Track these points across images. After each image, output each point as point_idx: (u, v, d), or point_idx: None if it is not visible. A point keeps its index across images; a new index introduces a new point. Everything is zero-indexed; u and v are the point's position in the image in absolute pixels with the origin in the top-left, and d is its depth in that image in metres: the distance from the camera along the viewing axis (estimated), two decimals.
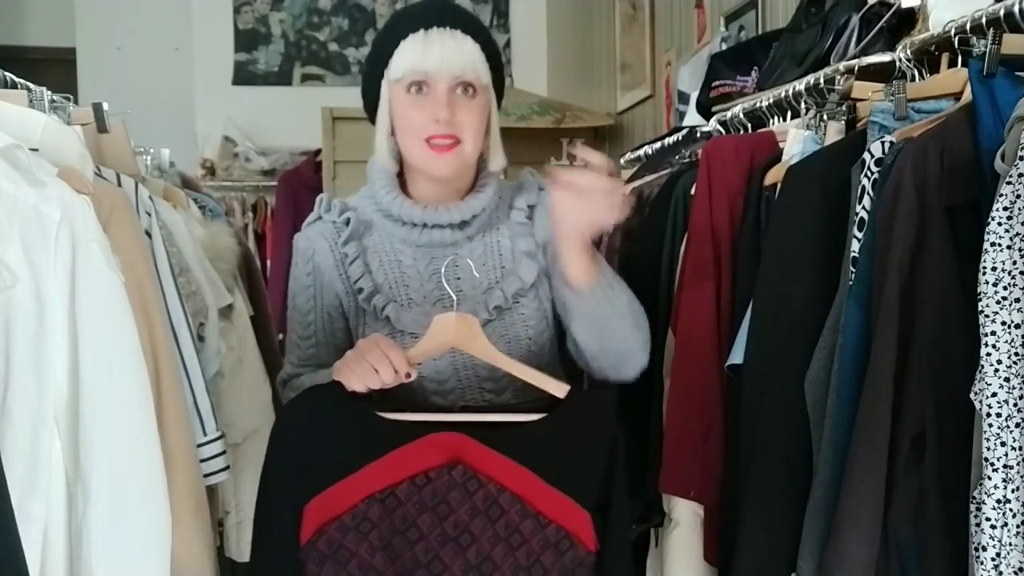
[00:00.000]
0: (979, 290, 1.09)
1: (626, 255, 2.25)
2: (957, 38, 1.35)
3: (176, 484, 1.32)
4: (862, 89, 1.58)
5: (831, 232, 1.39)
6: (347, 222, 1.52)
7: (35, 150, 1.28)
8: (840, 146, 1.52)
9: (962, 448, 1.14)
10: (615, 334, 1.46)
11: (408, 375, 1.34)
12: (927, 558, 1.20)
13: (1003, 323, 1.07)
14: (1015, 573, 1.08)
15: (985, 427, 1.08)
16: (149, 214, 1.64)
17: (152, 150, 2.53)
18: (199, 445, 1.60)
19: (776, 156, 1.73)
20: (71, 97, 1.84)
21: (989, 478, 1.07)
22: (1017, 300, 1.07)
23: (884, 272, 1.22)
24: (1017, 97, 1.15)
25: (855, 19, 1.82)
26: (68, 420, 1.23)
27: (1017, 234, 1.06)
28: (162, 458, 1.29)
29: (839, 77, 1.64)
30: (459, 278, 1.49)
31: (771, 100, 1.89)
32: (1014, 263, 1.06)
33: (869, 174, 1.31)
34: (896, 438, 1.19)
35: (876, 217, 1.27)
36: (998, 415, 1.07)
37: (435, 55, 1.42)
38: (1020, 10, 1.22)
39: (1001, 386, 1.07)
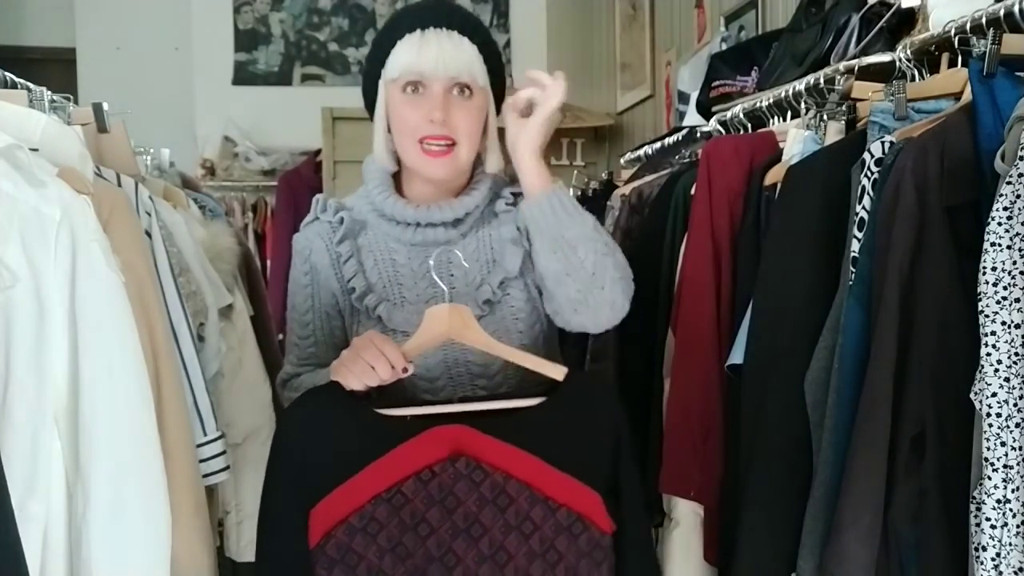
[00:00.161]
0: (979, 290, 1.09)
1: (626, 255, 2.25)
2: (957, 38, 1.35)
3: (176, 484, 1.32)
4: (862, 89, 1.58)
5: (831, 232, 1.39)
6: (341, 221, 1.52)
7: (35, 150, 1.28)
8: (840, 146, 1.52)
9: (962, 448, 1.14)
10: (577, 250, 1.41)
11: (405, 370, 1.34)
12: (927, 558, 1.20)
13: (1003, 323, 1.07)
14: (1015, 573, 1.08)
15: (985, 427, 1.08)
16: (149, 214, 1.64)
17: (152, 150, 2.53)
18: (199, 445, 1.60)
19: (776, 156, 1.73)
20: (71, 97, 1.84)
21: (989, 478, 1.07)
22: (1017, 300, 1.07)
23: (884, 272, 1.22)
24: (1017, 97, 1.15)
25: (855, 19, 1.82)
26: (68, 420, 1.23)
27: (1017, 234, 1.06)
28: (162, 458, 1.29)
29: (839, 77, 1.64)
30: (452, 275, 1.49)
31: (771, 100, 1.89)
32: (1014, 263, 1.06)
33: (869, 174, 1.31)
34: (896, 438, 1.19)
35: (876, 217, 1.27)
36: (998, 415, 1.07)
37: (431, 55, 1.42)
38: (1020, 10, 1.22)
39: (1001, 386, 1.07)
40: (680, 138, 2.45)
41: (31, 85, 1.67)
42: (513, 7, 5.60)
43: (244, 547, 2.10)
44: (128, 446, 1.26)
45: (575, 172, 3.61)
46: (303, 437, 1.30)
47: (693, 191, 1.85)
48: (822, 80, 1.68)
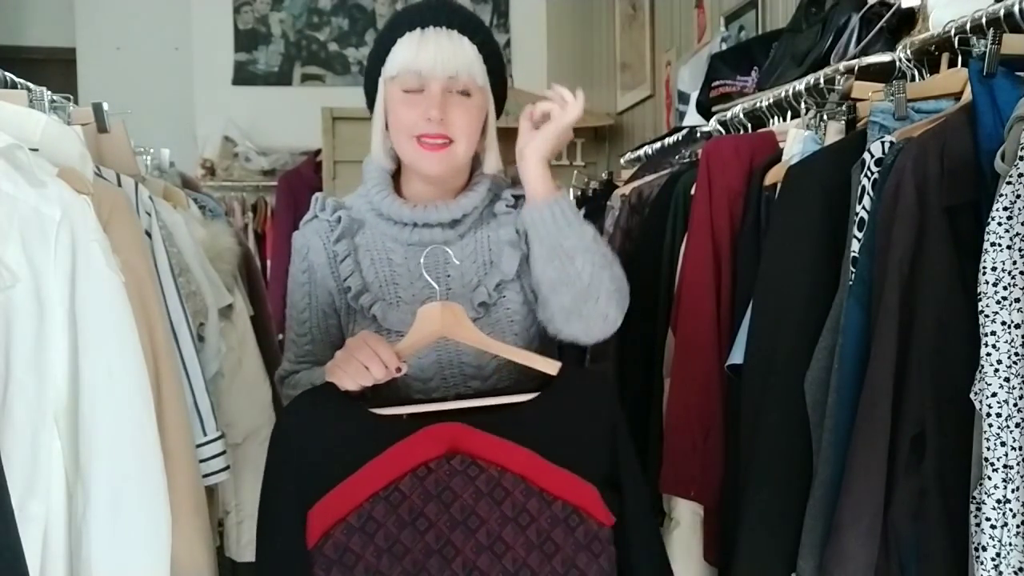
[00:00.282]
0: (979, 290, 1.09)
1: (626, 255, 2.25)
2: (957, 38, 1.35)
3: (176, 484, 1.32)
4: (862, 89, 1.58)
5: (831, 232, 1.39)
6: (339, 220, 1.53)
7: (35, 150, 1.28)
8: (840, 146, 1.52)
9: (962, 448, 1.14)
10: (575, 260, 1.41)
11: (399, 369, 1.34)
12: (927, 558, 1.20)
13: (1003, 323, 1.07)
14: (1015, 573, 1.08)
15: (985, 427, 1.08)
16: (149, 214, 1.64)
17: (152, 150, 2.53)
18: (199, 445, 1.60)
19: (776, 156, 1.73)
20: (71, 97, 1.84)
21: (989, 478, 1.07)
22: (1017, 300, 1.07)
23: (884, 272, 1.22)
24: (1017, 97, 1.15)
25: (855, 19, 1.82)
26: (68, 420, 1.23)
27: (1017, 234, 1.06)
28: (162, 458, 1.29)
29: (839, 77, 1.64)
30: (449, 276, 1.49)
31: (771, 100, 1.90)
32: (1014, 263, 1.06)
33: (869, 174, 1.31)
34: (896, 438, 1.19)
35: (876, 217, 1.27)
36: (998, 415, 1.07)
37: (429, 54, 1.42)
38: (1020, 10, 1.22)
39: (1001, 386, 1.07)
40: (680, 138, 2.45)
41: (31, 85, 1.67)
42: (513, 7, 5.60)
43: (244, 547, 2.10)
44: (128, 446, 1.26)
45: (575, 172, 3.62)
46: (300, 438, 1.31)
47: (693, 191, 1.85)
48: (822, 80, 1.68)
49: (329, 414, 1.32)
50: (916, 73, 1.50)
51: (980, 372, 1.09)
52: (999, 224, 1.07)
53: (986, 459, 1.08)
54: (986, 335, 1.08)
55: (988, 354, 1.08)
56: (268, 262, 4.71)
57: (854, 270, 1.30)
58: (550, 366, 1.36)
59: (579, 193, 3.39)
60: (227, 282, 2.06)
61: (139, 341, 1.29)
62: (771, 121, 1.94)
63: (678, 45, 3.64)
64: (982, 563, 1.09)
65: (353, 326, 1.52)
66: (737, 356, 1.58)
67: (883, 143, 1.31)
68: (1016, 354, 1.07)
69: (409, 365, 1.38)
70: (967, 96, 1.25)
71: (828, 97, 1.65)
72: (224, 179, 5.06)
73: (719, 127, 2.14)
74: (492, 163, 1.54)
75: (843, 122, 1.60)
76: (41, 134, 1.35)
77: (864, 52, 1.72)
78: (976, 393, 1.09)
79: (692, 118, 2.61)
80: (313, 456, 1.29)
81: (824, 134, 1.61)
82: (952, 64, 1.43)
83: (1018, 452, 1.06)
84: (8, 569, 1.06)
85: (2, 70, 1.66)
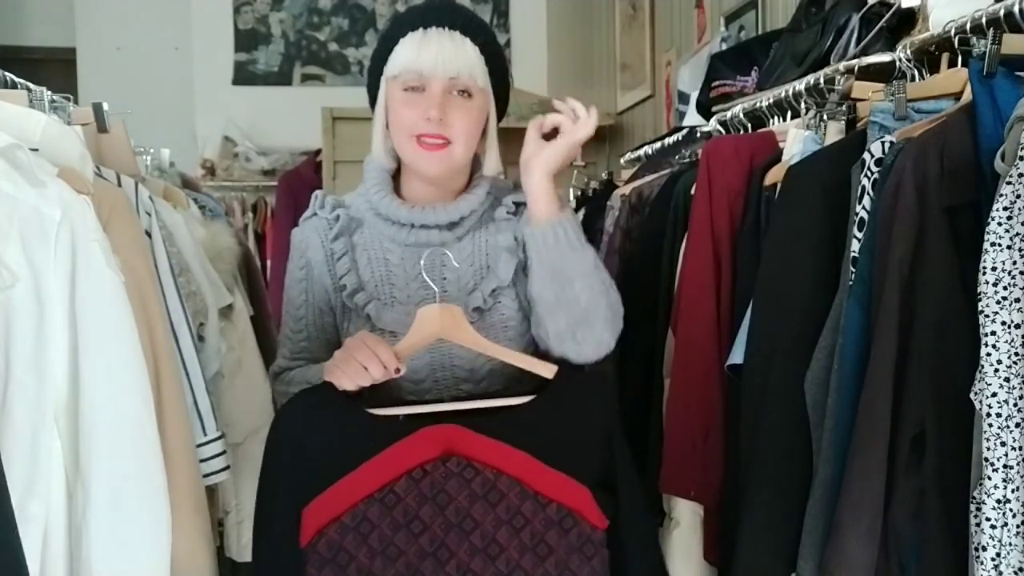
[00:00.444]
0: (979, 290, 1.09)
1: (626, 255, 2.25)
2: (957, 38, 1.35)
3: (176, 484, 1.32)
4: (862, 89, 1.58)
5: (831, 232, 1.39)
6: (337, 219, 1.53)
7: (35, 150, 1.28)
8: (840, 146, 1.52)
9: (962, 448, 1.14)
10: (574, 284, 1.41)
11: (397, 370, 1.34)
12: (927, 558, 1.20)
13: (1003, 323, 1.07)
14: (1015, 573, 1.08)
15: (985, 427, 1.08)
16: (149, 214, 1.64)
17: (152, 150, 2.53)
18: (199, 445, 1.60)
19: (776, 156, 1.73)
20: (71, 97, 1.84)
21: (989, 478, 1.07)
22: (1017, 300, 1.07)
23: (884, 272, 1.22)
24: (1017, 97, 1.15)
25: (855, 19, 1.82)
26: (68, 420, 1.23)
27: (1017, 234, 1.06)
28: (162, 458, 1.29)
29: (839, 77, 1.64)
30: (445, 278, 1.49)
31: (771, 100, 1.89)
32: (1014, 263, 1.06)
33: (869, 174, 1.31)
34: (896, 438, 1.19)
35: (876, 217, 1.27)
36: (998, 415, 1.07)
37: (431, 55, 1.42)
38: (1020, 10, 1.22)
39: (1001, 386, 1.07)
40: (680, 138, 2.45)
41: (31, 85, 1.67)
42: (513, 7, 5.60)
43: (244, 547, 2.10)
44: (128, 446, 1.26)
45: (575, 172, 3.61)
46: (297, 436, 1.31)
47: (693, 191, 1.85)
48: (822, 80, 1.68)
49: (327, 413, 1.32)
50: (916, 73, 1.50)
51: (980, 372, 1.09)
52: (999, 224, 1.07)
53: (986, 459, 1.08)
54: (986, 335, 1.08)
55: (988, 354, 1.08)
56: (268, 262, 4.71)
57: (854, 270, 1.30)
58: (547, 370, 1.37)
59: (579, 193, 3.39)
60: (227, 282, 2.06)
61: (139, 341, 1.29)
62: (771, 121, 1.94)
63: (678, 45, 3.64)
64: (982, 563, 1.09)
65: (348, 325, 1.52)
66: (737, 356, 1.58)
67: (883, 143, 1.31)
68: (1016, 354, 1.07)
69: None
70: (967, 96, 1.25)
71: (828, 97, 1.65)
72: (224, 179, 5.06)
73: (719, 127, 2.14)
74: (492, 165, 1.54)
75: (843, 122, 1.60)
76: (41, 134, 1.35)
77: (864, 52, 1.72)
78: (976, 393, 1.09)
79: (692, 118, 2.61)
80: (310, 454, 1.29)
81: (824, 134, 1.61)
82: (952, 64, 1.43)
83: (1018, 452, 1.06)
84: (8, 569, 1.06)
85: (2, 70, 1.66)
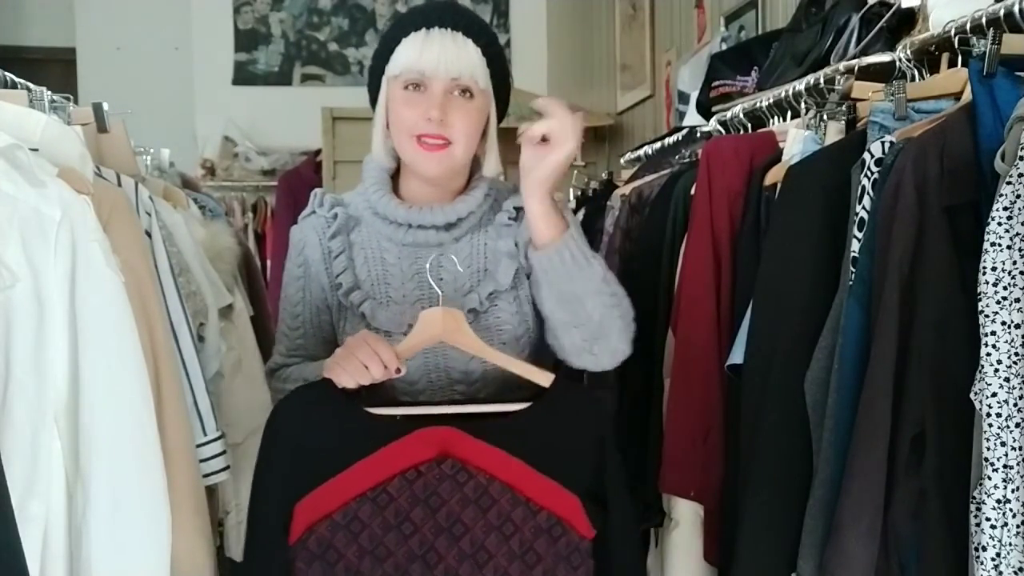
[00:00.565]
0: (979, 290, 1.09)
1: (626, 255, 2.25)
2: (957, 38, 1.35)
3: (176, 484, 1.32)
4: (862, 89, 1.58)
5: (831, 232, 1.39)
6: (335, 216, 1.53)
7: (35, 150, 1.28)
8: (840, 146, 1.52)
9: (962, 448, 1.14)
10: (585, 303, 1.41)
11: (398, 370, 1.34)
12: (927, 558, 1.20)
13: (1003, 323, 1.07)
14: (1015, 573, 1.08)
15: (985, 427, 1.08)
16: (149, 214, 1.64)
17: (152, 150, 2.53)
18: (199, 445, 1.60)
19: (776, 156, 1.73)
20: (71, 97, 1.84)
21: (989, 478, 1.07)
22: (1017, 300, 1.07)
23: (884, 272, 1.22)
24: (1017, 97, 1.15)
25: (855, 19, 1.82)
26: (68, 420, 1.23)
27: (1017, 234, 1.06)
28: (162, 458, 1.29)
29: (839, 77, 1.64)
30: (442, 279, 1.49)
31: (771, 100, 1.89)
32: (1014, 263, 1.06)
33: (869, 174, 1.31)
34: (896, 438, 1.19)
35: (876, 217, 1.27)
36: (998, 415, 1.07)
37: (433, 55, 1.42)
38: (1020, 10, 1.22)
39: (1001, 386, 1.07)
40: (680, 138, 2.45)
41: (31, 85, 1.67)
42: (513, 7, 5.60)
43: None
44: (128, 446, 1.26)
45: (575, 172, 3.61)
46: (294, 431, 1.32)
47: (693, 191, 1.85)
48: (822, 80, 1.68)
49: (324, 410, 1.33)
50: (916, 73, 1.50)
51: (980, 372, 1.09)
52: (999, 224, 1.07)
53: (986, 459, 1.08)
54: (986, 335, 1.08)
55: (988, 354, 1.08)
56: (268, 262, 4.71)
57: (854, 270, 1.30)
58: (544, 378, 1.37)
59: (579, 193, 3.39)
60: (227, 282, 2.06)
61: (139, 341, 1.29)
62: (771, 121, 1.94)
63: (678, 45, 3.64)
64: (982, 563, 1.09)
65: (344, 323, 1.53)
66: (737, 356, 1.58)
67: (883, 143, 1.31)
68: (1016, 354, 1.07)
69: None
70: (967, 96, 1.25)
71: (828, 97, 1.65)
72: (224, 179, 5.06)
73: (719, 127, 2.14)
74: (492, 166, 1.54)
75: (843, 122, 1.60)
76: (41, 134, 1.35)
77: (864, 52, 1.72)
78: (976, 393, 1.09)
79: (692, 118, 2.61)
80: (306, 450, 1.30)
81: (824, 134, 1.61)
82: (952, 64, 1.43)
83: (1018, 452, 1.06)
84: (8, 569, 1.06)
85: (2, 70, 1.65)
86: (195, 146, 5.16)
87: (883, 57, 1.61)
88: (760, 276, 1.55)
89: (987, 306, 1.08)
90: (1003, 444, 1.07)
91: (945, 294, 1.18)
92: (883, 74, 1.57)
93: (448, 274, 1.49)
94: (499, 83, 1.51)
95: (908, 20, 1.70)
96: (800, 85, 1.75)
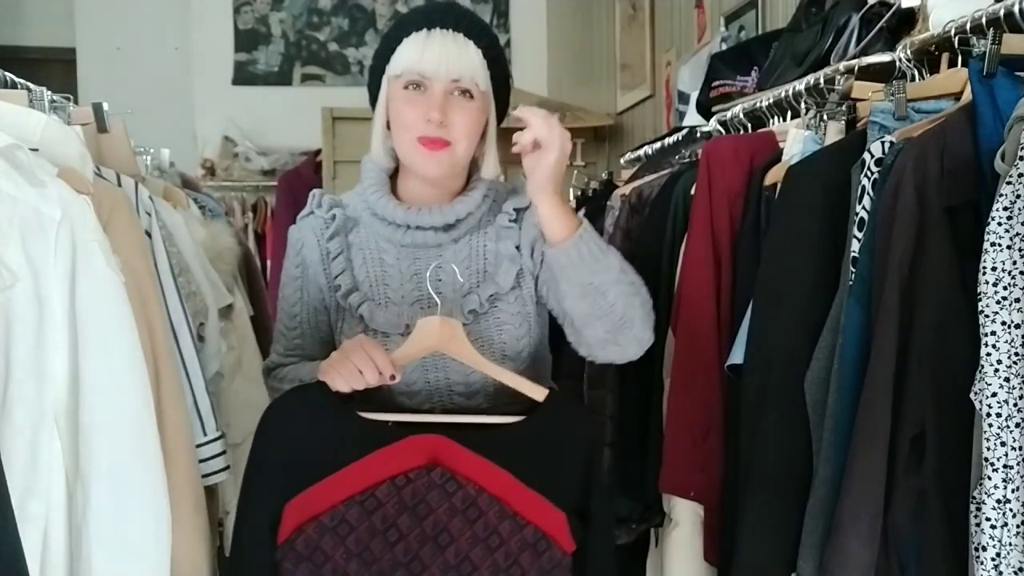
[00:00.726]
0: (979, 290, 1.09)
1: (626, 255, 2.24)
2: (957, 38, 1.35)
3: (176, 484, 1.32)
4: (862, 89, 1.58)
5: (831, 232, 1.39)
6: (333, 217, 1.53)
7: (35, 150, 1.28)
8: (840, 146, 1.52)
9: (962, 448, 1.14)
10: (606, 295, 1.41)
11: (392, 377, 1.34)
12: (927, 558, 1.20)
13: (1003, 323, 1.07)
14: (1015, 573, 1.08)
15: (985, 427, 1.08)
16: (149, 214, 1.64)
17: (152, 150, 2.53)
18: (199, 445, 1.60)
19: (776, 156, 1.73)
20: (71, 97, 1.84)
21: (989, 478, 1.07)
22: (1017, 300, 1.07)
23: (884, 272, 1.22)
24: (1017, 97, 1.16)
25: (855, 19, 1.82)
26: (68, 420, 1.23)
27: (1017, 234, 1.06)
28: (162, 458, 1.29)
29: (839, 77, 1.64)
30: (440, 280, 1.49)
31: (771, 100, 1.90)
32: (1014, 263, 1.07)
33: (869, 174, 1.31)
34: (896, 438, 1.20)
35: (876, 217, 1.27)
36: (998, 415, 1.07)
37: (434, 56, 1.42)
38: (1020, 10, 1.22)
39: (1001, 386, 1.07)
40: (680, 138, 2.45)
41: (31, 85, 1.67)
42: (513, 7, 5.60)
43: None
44: (128, 446, 1.26)
45: (575, 172, 3.61)
46: (286, 432, 1.32)
47: (693, 191, 1.85)
48: (822, 80, 1.68)
49: (317, 412, 1.33)
50: (916, 73, 1.50)
51: (980, 372, 1.09)
52: (999, 224, 1.07)
53: (986, 459, 1.08)
54: (986, 335, 1.08)
55: (988, 354, 1.08)
56: (268, 262, 4.71)
57: (854, 270, 1.30)
58: (538, 392, 1.37)
59: (579, 193, 3.39)
60: (227, 282, 2.06)
61: (139, 341, 1.29)
62: (771, 121, 1.94)
63: (678, 45, 3.64)
64: (982, 563, 1.09)
65: (342, 324, 1.52)
66: (737, 356, 1.58)
67: (883, 143, 1.31)
68: (1016, 354, 1.07)
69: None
70: (967, 96, 1.25)
71: (828, 97, 1.65)
72: (224, 179, 5.06)
73: (719, 127, 2.14)
74: (491, 167, 1.53)
75: (843, 122, 1.60)
76: (41, 134, 1.35)
77: (864, 52, 1.72)
78: (976, 393, 1.09)
79: (692, 118, 2.61)
80: (297, 451, 1.30)
81: (824, 134, 1.61)
82: (952, 64, 1.43)
83: (1018, 452, 1.06)
84: (8, 569, 1.06)
85: (2, 70, 1.66)
86: (195, 146, 5.16)
87: (883, 57, 1.61)
88: (760, 276, 1.55)
89: (987, 306, 1.08)
90: (1003, 444, 1.07)
91: (945, 294, 1.18)
92: (883, 74, 1.57)
93: (447, 275, 1.49)
94: (499, 85, 1.51)
95: (908, 20, 1.70)
96: (800, 85, 1.75)
